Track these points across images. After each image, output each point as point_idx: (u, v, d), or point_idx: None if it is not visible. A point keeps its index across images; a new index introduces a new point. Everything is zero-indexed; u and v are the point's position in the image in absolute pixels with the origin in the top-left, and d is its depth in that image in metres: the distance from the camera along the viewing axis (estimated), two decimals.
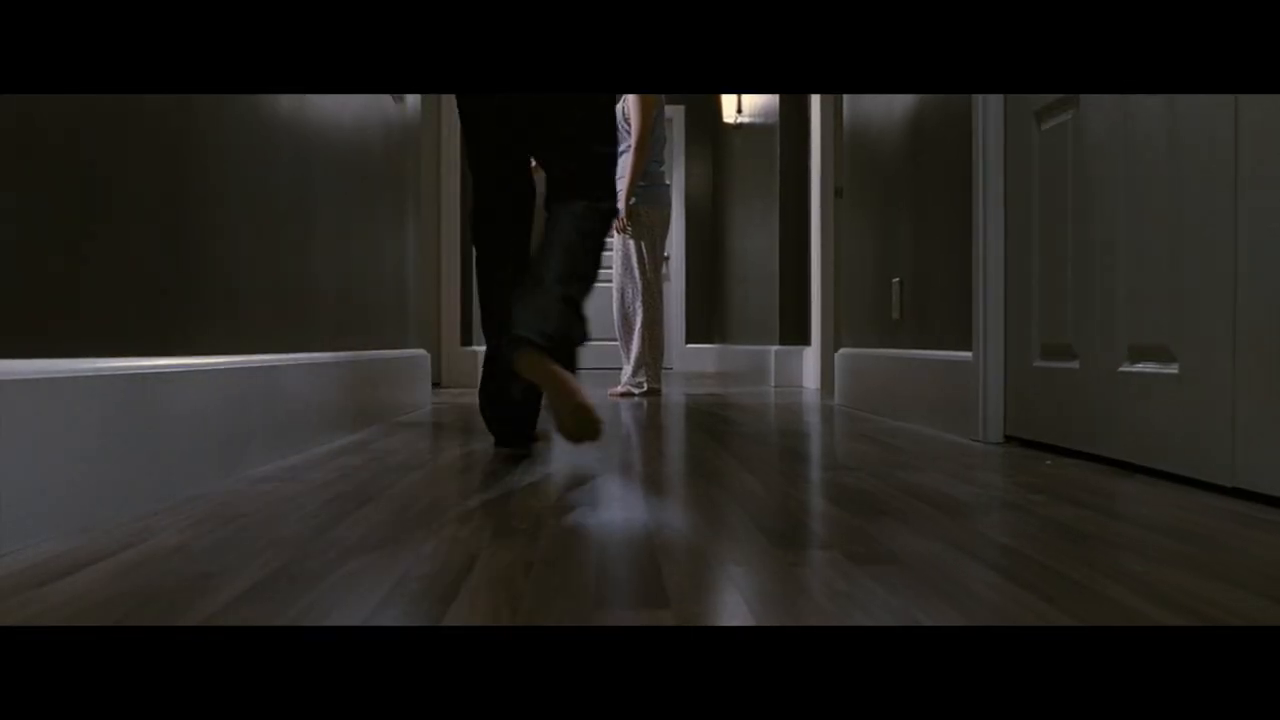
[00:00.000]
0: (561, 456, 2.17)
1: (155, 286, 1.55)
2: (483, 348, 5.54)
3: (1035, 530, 1.31)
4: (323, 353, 2.47)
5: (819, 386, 5.11)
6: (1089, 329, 2.04)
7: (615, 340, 8.42)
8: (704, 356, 8.39)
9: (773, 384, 5.47)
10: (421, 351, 3.73)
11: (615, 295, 4.61)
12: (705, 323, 8.44)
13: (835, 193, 5.13)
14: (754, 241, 6.22)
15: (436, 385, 5.34)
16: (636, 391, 4.50)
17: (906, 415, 3.03)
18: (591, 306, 8.41)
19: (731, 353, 6.86)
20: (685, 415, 3.34)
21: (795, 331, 5.47)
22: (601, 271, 8.70)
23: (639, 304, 4.53)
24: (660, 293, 4.56)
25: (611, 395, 4.70)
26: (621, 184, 4.50)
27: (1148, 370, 1.83)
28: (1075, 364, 2.11)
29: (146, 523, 1.35)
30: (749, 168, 6.44)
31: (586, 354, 8.43)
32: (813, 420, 3.13)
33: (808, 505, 1.51)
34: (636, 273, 4.54)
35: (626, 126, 4.47)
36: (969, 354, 2.55)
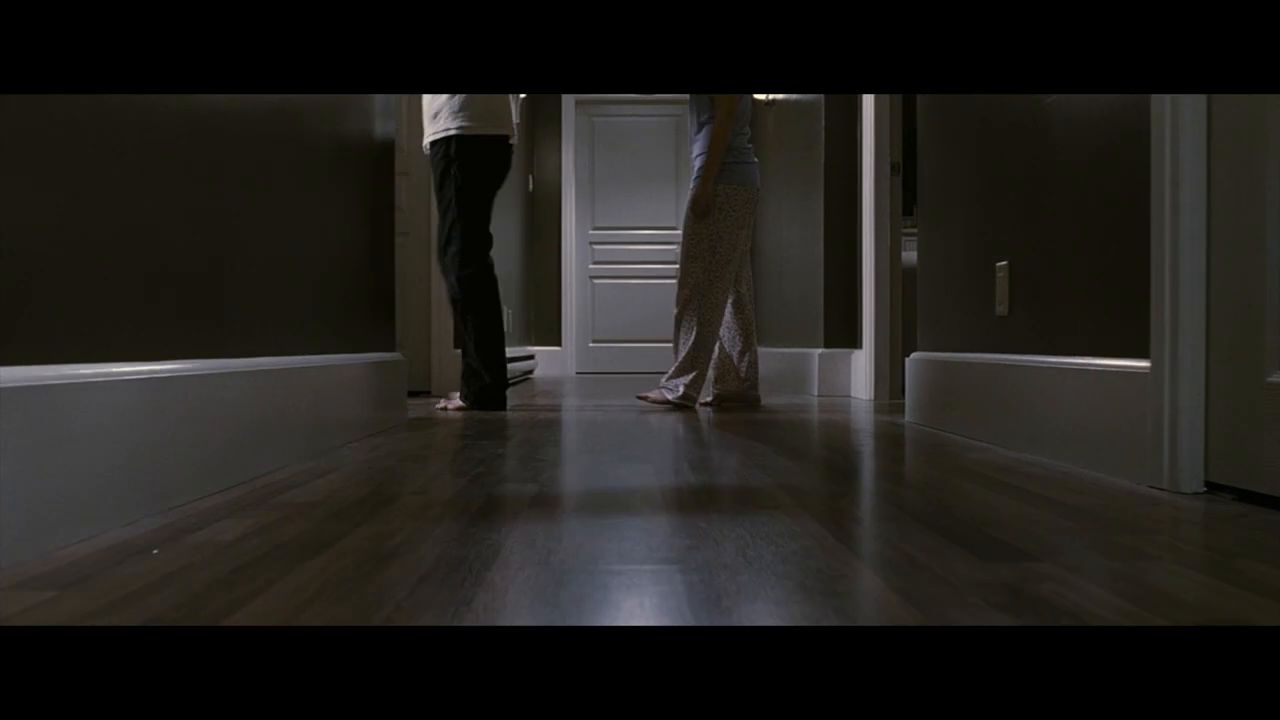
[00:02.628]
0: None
1: None
2: None
3: None
4: (228, 359, 1.74)
5: (872, 397, 4.37)
6: None
7: (655, 341, 7.69)
8: None
9: (816, 393, 4.73)
10: (395, 356, 3.01)
11: (680, 291, 3.88)
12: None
13: (891, 169, 4.38)
14: (791, 232, 5.47)
15: (425, 394, 4.62)
16: (671, 397, 3.78)
17: (1024, 443, 2.28)
18: (636, 306, 7.70)
19: (764, 356, 6.11)
20: (712, 436, 2.60)
21: (843, 331, 4.72)
22: (651, 266, 8.02)
23: (700, 302, 3.80)
24: (724, 292, 3.82)
25: (702, 403, 3.99)
26: (701, 162, 3.77)
27: None
28: None
29: None
30: (784, 148, 5.69)
31: (627, 359, 7.71)
32: (890, 449, 2.38)
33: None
34: (712, 264, 3.80)
35: (706, 96, 3.78)
36: (1143, 363, 1.80)
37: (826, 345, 4.74)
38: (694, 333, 3.78)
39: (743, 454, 2.25)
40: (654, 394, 3.83)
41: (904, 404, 3.97)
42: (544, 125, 7.66)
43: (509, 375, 5.33)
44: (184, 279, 1.59)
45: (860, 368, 4.52)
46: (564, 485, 1.76)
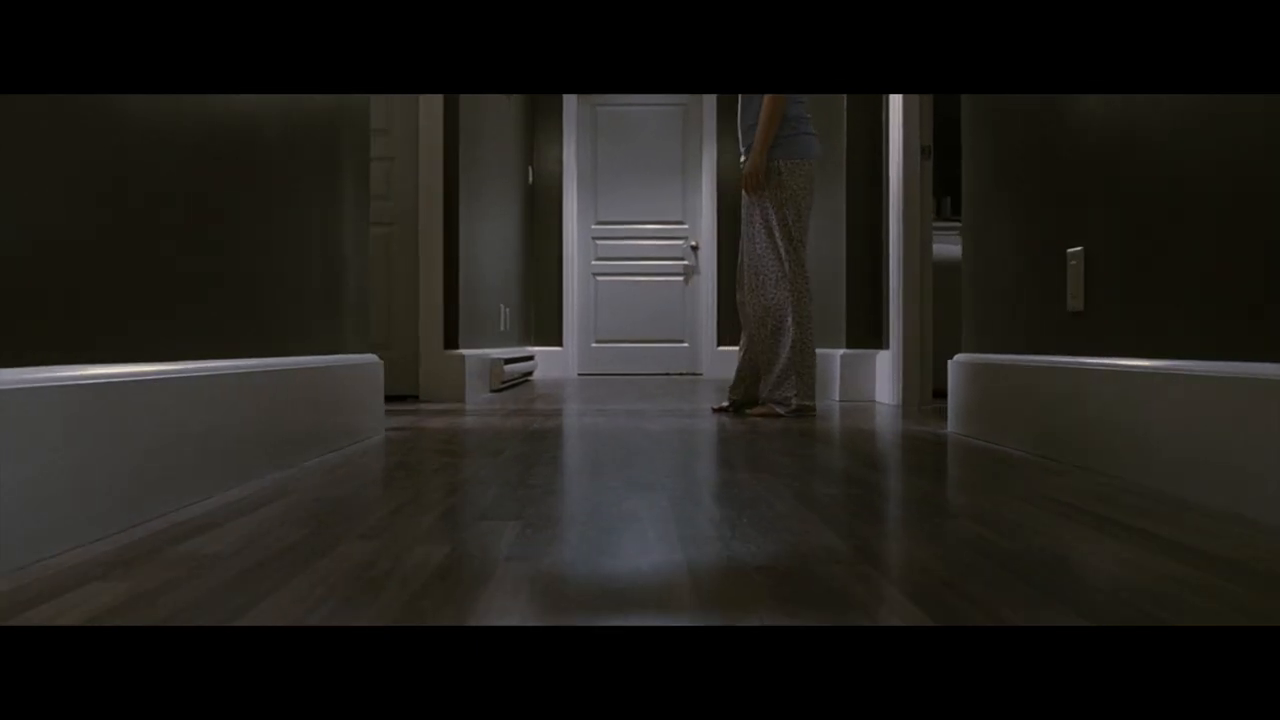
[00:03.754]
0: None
1: None
2: (473, 351, 4.43)
3: None
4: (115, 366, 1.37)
5: (899, 402, 3.99)
6: None
7: (660, 342, 7.32)
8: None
9: (837, 397, 4.35)
10: (369, 358, 2.63)
11: (747, 280, 3.48)
12: (740, 322, 7.31)
13: (921, 153, 4.00)
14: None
15: (413, 398, 4.25)
16: (782, 410, 3.39)
17: (1108, 462, 1.90)
18: (640, 304, 7.32)
19: None
20: (736, 453, 2.23)
21: (867, 331, 4.35)
22: (657, 262, 7.65)
23: (786, 292, 3.41)
24: (807, 277, 3.44)
25: (714, 409, 3.60)
26: (757, 133, 3.39)
27: None
28: None
29: None
30: None
31: (631, 360, 7.33)
32: (950, 470, 2.01)
33: None
34: (782, 248, 3.41)
35: None
36: None
37: (849, 346, 4.36)
38: (788, 330, 3.40)
39: (776, 480, 1.88)
40: (759, 409, 3.44)
41: (935, 409, 3.59)
42: (544, 114, 7.29)
43: (507, 376, 4.96)
44: (54, 257, 1.22)
45: (886, 370, 4.14)
46: (556, 538, 1.39)
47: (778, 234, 3.40)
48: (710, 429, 2.89)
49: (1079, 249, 2.10)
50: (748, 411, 3.47)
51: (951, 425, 2.83)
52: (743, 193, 3.47)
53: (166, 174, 1.51)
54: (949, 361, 2.86)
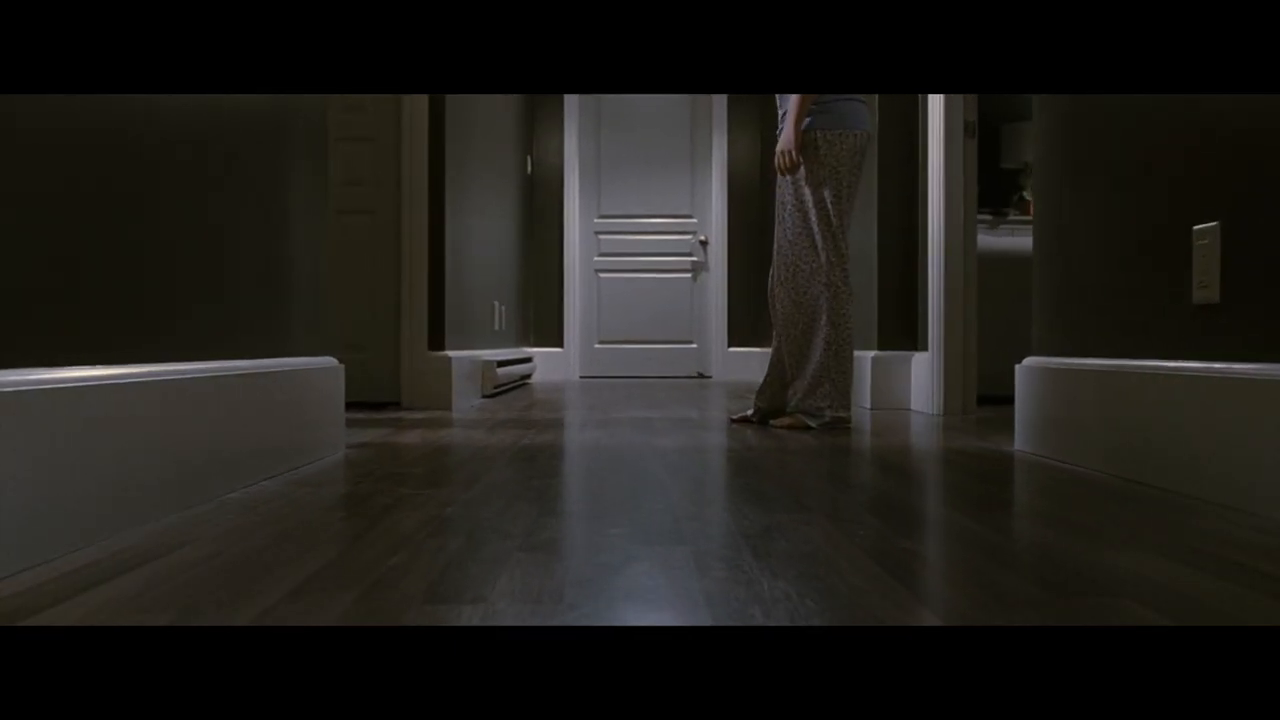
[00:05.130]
0: None
1: None
2: (462, 353, 3.99)
3: None
4: None
5: (939, 410, 3.54)
6: None
7: (667, 343, 6.86)
8: (751, 363, 6.83)
9: (868, 404, 3.89)
10: (324, 362, 2.19)
11: (779, 271, 3.02)
12: (753, 321, 6.87)
13: (965, 130, 3.55)
14: None
15: (394, 405, 3.80)
16: (813, 423, 2.93)
17: (1270, 501, 1.45)
18: (646, 303, 6.87)
19: None
20: (770, 484, 1.78)
21: (900, 331, 3.90)
22: (664, 258, 7.15)
23: (822, 286, 2.94)
24: (848, 270, 2.98)
25: (734, 420, 3.17)
26: (790, 102, 2.90)
27: None
28: None
29: None
30: None
31: (636, 363, 6.88)
32: (1052, 507, 1.55)
33: None
34: (819, 235, 2.93)
35: None
36: None
37: (880, 348, 3.91)
38: (821, 329, 2.93)
39: (832, 525, 1.43)
40: (785, 420, 2.97)
41: (981, 419, 3.13)
42: (543, 101, 6.84)
43: (501, 380, 4.51)
44: None
45: (923, 375, 3.69)
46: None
47: (813, 217, 2.94)
48: (732, 446, 2.45)
49: (1212, 225, 1.65)
50: (772, 423, 3.01)
51: (1020, 441, 2.38)
52: (778, 174, 3.01)
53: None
54: (1016, 366, 2.41)
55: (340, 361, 3.77)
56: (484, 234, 4.71)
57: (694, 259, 6.92)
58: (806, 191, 2.94)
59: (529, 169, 6.65)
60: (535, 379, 6.65)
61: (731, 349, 6.86)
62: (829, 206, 2.91)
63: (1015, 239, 4.25)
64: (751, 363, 6.84)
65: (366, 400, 3.80)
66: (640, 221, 6.94)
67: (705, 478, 1.86)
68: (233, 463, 1.65)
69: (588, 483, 1.79)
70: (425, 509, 1.51)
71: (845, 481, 1.82)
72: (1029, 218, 4.25)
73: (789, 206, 2.98)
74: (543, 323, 6.83)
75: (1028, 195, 5.06)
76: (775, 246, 3.04)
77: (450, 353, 3.81)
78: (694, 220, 6.93)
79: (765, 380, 3.09)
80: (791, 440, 2.60)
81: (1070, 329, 2.20)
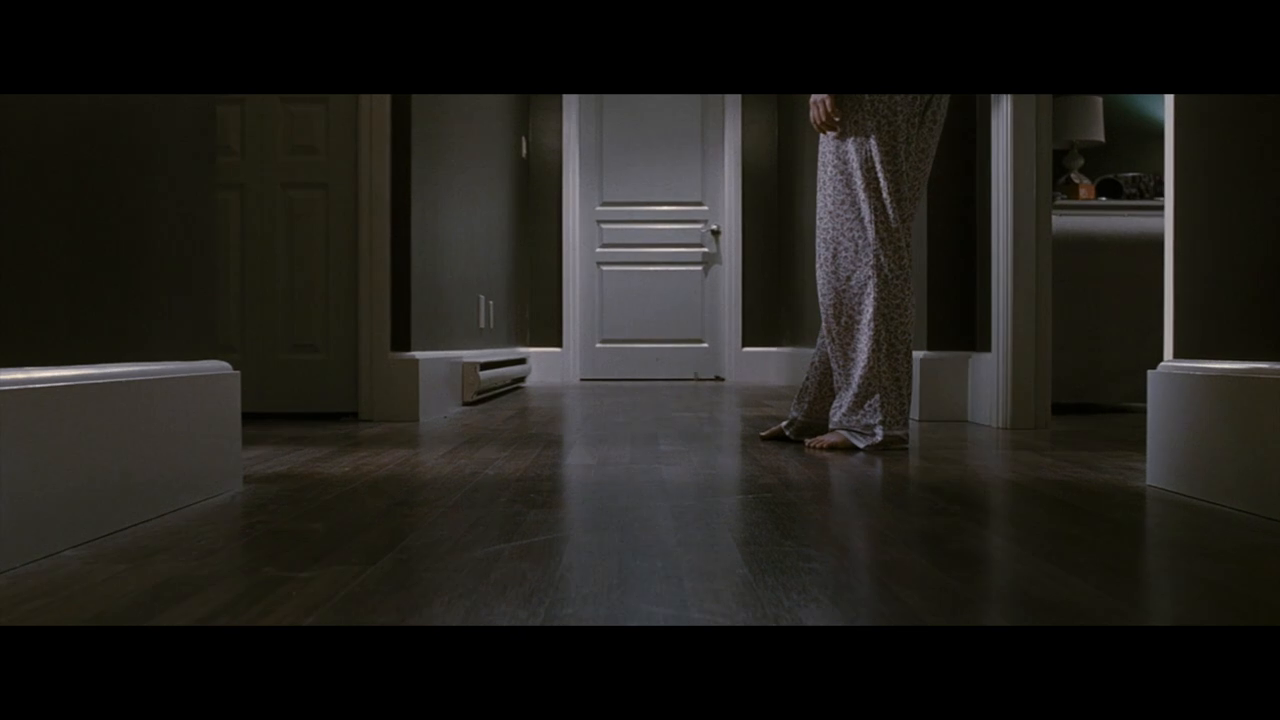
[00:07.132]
0: None
1: None
2: (434, 354, 3.38)
3: None
4: None
5: (1006, 424, 2.93)
6: None
7: (675, 342, 6.26)
8: (768, 365, 6.22)
9: (916, 415, 3.28)
10: (213, 368, 1.59)
11: (818, 251, 2.39)
12: (771, 318, 6.26)
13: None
14: None
15: (351, 418, 3.20)
16: (862, 444, 2.30)
17: None
18: (652, 299, 6.27)
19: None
20: (819, 557, 1.17)
21: (955, 328, 3.28)
22: (672, 249, 6.49)
23: (869, 268, 2.31)
24: (909, 255, 2.35)
25: (764, 436, 2.57)
26: None
27: None
28: None
29: None
30: None
31: (641, 364, 6.28)
32: (1231, 587, 0.97)
33: None
34: (865, 204, 2.30)
35: None
36: None
37: (930, 347, 3.30)
38: (867, 325, 2.31)
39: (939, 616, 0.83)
40: (827, 439, 2.34)
41: (1062, 434, 2.50)
42: None
43: (486, 385, 3.91)
44: None
45: (986, 380, 3.08)
46: None
47: (858, 183, 2.32)
48: (765, 481, 1.84)
49: None
50: (809, 442, 2.39)
51: (1154, 474, 1.77)
52: (819, 135, 2.40)
53: None
54: (1149, 373, 1.80)
55: (289, 363, 3.17)
56: (466, 218, 4.11)
57: (705, 250, 6.32)
58: (850, 147, 2.32)
59: (524, 151, 6.05)
60: (530, 382, 6.05)
61: (746, 349, 6.26)
62: (878, 167, 2.29)
63: (1062, 221, 3.63)
64: (768, 364, 6.23)
65: (320, 411, 3.21)
66: (646, 209, 6.34)
67: (731, 538, 1.26)
68: (66, 511, 1.05)
69: (559, 554, 1.19)
70: (285, 605, 0.90)
71: (941, 549, 1.21)
72: (1078, 201, 3.64)
73: (829, 171, 2.37)
74: (539, 320, 6.23)
75: (1075, 178, 4.47)
76: (816, 219, 2.42)
77: (418, 354, 3.21)
78: (705, 208, 6.33)
79: (804, 384, 2.48)
80: (839, 469, 1.99)
81: (1237, 322, 1.58)
